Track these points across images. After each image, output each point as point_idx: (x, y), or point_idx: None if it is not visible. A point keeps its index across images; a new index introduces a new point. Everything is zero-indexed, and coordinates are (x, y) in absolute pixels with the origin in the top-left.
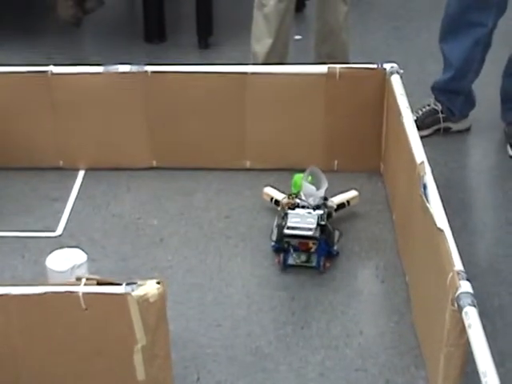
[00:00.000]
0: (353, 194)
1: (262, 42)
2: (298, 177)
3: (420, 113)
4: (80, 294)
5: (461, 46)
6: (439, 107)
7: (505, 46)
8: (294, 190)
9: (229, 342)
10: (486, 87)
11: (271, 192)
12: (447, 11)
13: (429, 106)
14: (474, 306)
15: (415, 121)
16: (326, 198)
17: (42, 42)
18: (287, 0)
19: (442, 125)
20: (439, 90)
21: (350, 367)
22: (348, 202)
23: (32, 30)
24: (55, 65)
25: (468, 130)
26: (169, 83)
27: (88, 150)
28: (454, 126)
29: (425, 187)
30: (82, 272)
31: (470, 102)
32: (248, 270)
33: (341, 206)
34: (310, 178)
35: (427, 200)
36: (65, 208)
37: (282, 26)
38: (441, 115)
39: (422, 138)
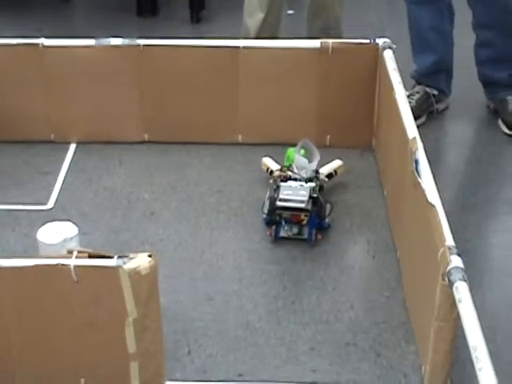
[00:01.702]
0: (338, 163)
1: (254, 16)
2: (291, 151)
3: (414, 101)
4: (71, 267)
5: (432, 24)
6: (431, 91)
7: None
8: (286, 164)
9: (220, 315)
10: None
11: (268, 162)
12: (407, 6)
13: (418, 92)
14: (465, 280)
15: (412, 110)
16: (317, 171)
17: (33, 16)
18: None
19: (435, 107)
20: (426, 74)
21: (341, 341)
22: (335, 171)
23: (22, 4)
24: (46, 37)
25: (447, 108)
26: (161, 57)
27: (79, 124)
28: (440, 106)
29: (417, 162)
30: (73, 245)
31: (451, 76)
32: (239, 244)
33: (329, 176)
34: (302, 151)
35: (419, 175)
36: (56, 181)
37: (273, 0)
38: (433, 98)
39: (419, 126)
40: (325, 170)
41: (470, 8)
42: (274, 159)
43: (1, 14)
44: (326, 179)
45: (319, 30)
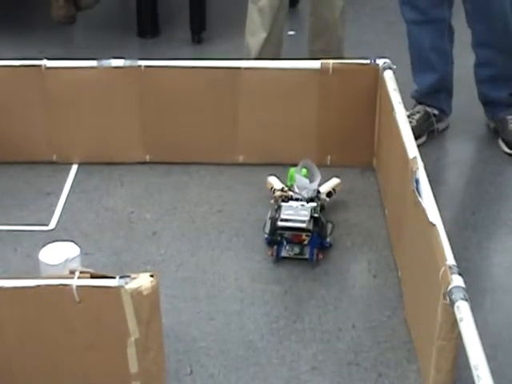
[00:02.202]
0: (336, 181)
1: (255, 35)
2: (293, 170)
3: (414, 120)
4: (74, 287)
5: (432, 44)
6: (431, 110)
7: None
8: (289, 183)
9: (221, 335)
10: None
11: (273, 181)
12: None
13: (419, 112)
14: (466, 300)
15: (412, 130)
16: (319, 191)
17: (35, 36)
18: None
19: (435, 126)
20: (426, 94)
21: (343, 361)
22: (334, 189)
23: (24, 25)
24: (49, 59)
25: (448, 127)
26: (162, 78)
27: (81, 145)
28: (440, 126)
29: (417, 182)
30: (75, 265)
31: (451, 95)
32: (241, 263)
33: (329, 194)
34: (304, 170)
35: (419, 195)
36: (58, 202)
37: (275, 20)
38: (433, 118)
39: (419, 146)
40: (324, 188)
41: (470, 27)
42: (279, 179)
43: (3, 35)
44: (327, 199)
45: (320, 51)
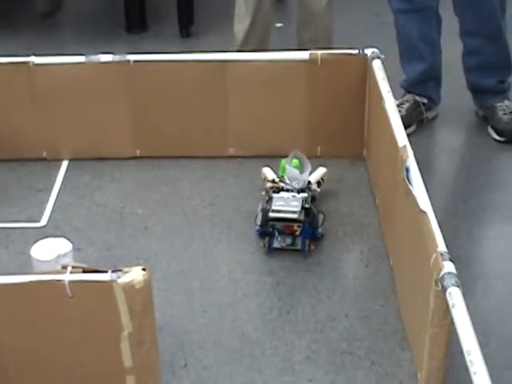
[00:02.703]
0: (322, 170)
1: (241, 22)
2: (284, 161)
3: (404, 110)
4: (66, 283)
5: (420, 33)
6: (421, 99)
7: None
8: (281, 175)
9: (215, 327)
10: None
11: (267, 172)
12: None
13: (408, 101)
14: (458, 286)
15: (402, 119)
16: (309, 182)
17: (22, 33)
18: None
19: (425, 115)
20: (415, 83)
21: (336, 350)
22: (322, 179)
23: (11, 22)
24: (36, 55)
25: (437, 116)
26: (151, 72)
27: (71, 141)
28: (430, 115)
29: (407, 170)
30: (67, 261)
31: (440, 84)
32: (233, 256)
33: (317, 184)
34: (296, 161)
35: (410, 183)
36: (49, 198)
37: (260, 7)
38: (422, 107)
39: (409, 135)
40: (312, 178)
41: (457, 16)
42: (273, 170)
43: None
44: (318, 189)
45: (308, 41)
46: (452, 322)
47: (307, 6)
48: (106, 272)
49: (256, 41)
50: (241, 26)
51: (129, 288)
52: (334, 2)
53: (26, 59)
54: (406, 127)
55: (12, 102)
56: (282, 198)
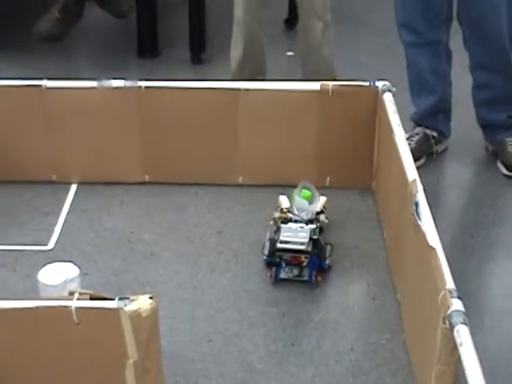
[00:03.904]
0: (323, 199)
1: (235, 49)
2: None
3: (413, 142)
4: (73, 309)
5: (430, 66)
6: (430, 132)
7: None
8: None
9: (220, 357)
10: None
11: (283, 201)
12: (404, 49)
13: (418, 134)
14: (466, 324)
15: (411, 152)
16: (318, 213)
17: (35, 56)
18: (256, 11)
19: (435, 148)
20: (425, 116)
21: None
22: (324, 207)
23: (24, 45)
24: (49, 79)
25: (447, 149)
26: (162, 98)
27: (81, 164)
28: (439, 148)
29: (417, 205)
30: (74, 286)
31: (450, 117)
32: (239, 285)
33: (319, 212)
34: (308, 192)
35: (419, 218)
36: (57, 222)
37: (250, 37)
38: (432, 140)
39: (418, 168)
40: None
41: (467, 50)
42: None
43: (3, 55)
44: (326, 220)
45: (311, 73)
46: (459, 360)
47: (305, 39)
48: (113, 299)
49: (250, 70)
50: (234, 54)
51: (135, 316)
52: (330, 32)
53: (39, 82)
54: (415, 160)
55: (23, 125)
56: (290, 228)
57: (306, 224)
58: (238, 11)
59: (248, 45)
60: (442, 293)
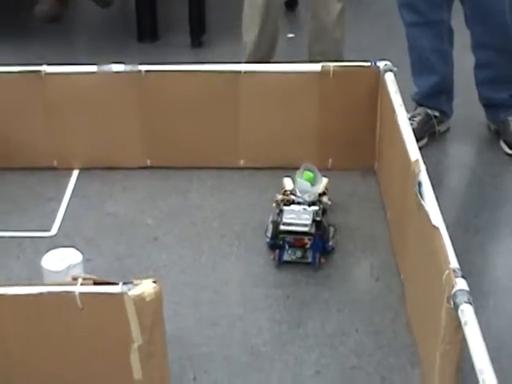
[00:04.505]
0: (325, 180)
1: (249, 30)
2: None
3: (415, 122)
4: (76, 294)
5: (432, 46)
6: (432, 112)
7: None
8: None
9: (224, 340)
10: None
11: (287, 183)
12: (406, 29)
13: (420, 114)
14: (470, 303)
15: (413, 132)
16: (320, 194)
17: (34, 42)
18: None
19: (437, 128)
20: (427, 96)
21: (346, 365)
22: (326, 188)
23: (23, 31)
24: (48, 64)
25: (449, 129)
26: (162, 82)
27: (82, 150)
28: (441, 128)
29: (419, 185)
30: (78, 272)
31: (452, 97)
32: (243, 268)
33: (322, 194)
34: (310, 174)
35: (422, 198)
36: (59, 208)
37: (267, 16)
38: (434, 120)
39: (420, 148)
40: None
41: (468, 29)
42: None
43: (2, 42)
44: (329, 202)
45: (319, 54)
46: (464, 339)
47: (318, 18)
48: (117, 284)
49: (265, 50)
50: (248, 34)
51: (139, 300)
52: (346, 15)
53: (38, 68)
54: (417, 140)
55: (23, 111)
56: (292, 210)
57: (309, 206)
58: None
59: (265, 23)
60: (447, 272)
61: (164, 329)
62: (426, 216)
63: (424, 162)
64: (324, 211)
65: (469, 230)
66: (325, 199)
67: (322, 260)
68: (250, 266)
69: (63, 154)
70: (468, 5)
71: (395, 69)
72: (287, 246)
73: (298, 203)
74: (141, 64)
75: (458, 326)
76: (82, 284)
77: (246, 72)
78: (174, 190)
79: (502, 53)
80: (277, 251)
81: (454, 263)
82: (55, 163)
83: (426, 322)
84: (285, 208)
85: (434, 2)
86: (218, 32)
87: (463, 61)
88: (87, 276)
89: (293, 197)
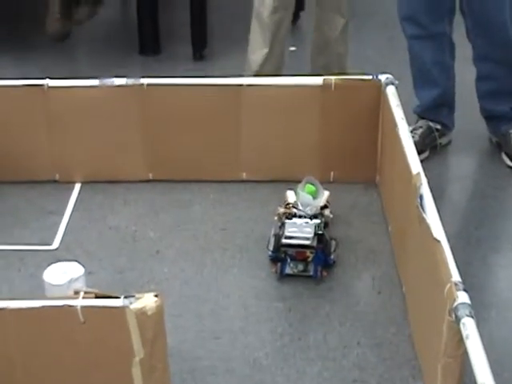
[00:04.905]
0: (326, 193)
1: (257, 51)
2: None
3: (417, 135)
4: (78, 308)
5: (434, 59)
6: (434, 125)
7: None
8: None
9: (226, 354)
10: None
11: (289, 196)
12: (407, 42)
13: (421, 127)
14: (472, 316)
15: (415, 145)
16: (322, 208)
17: (36, 55)
18: (282, 11)
19: (438, 141)
20: (429, 109)
21: (348, 378)
22: (328, 201)
23: (26, 44)
24: (51, 78)
25: (451, 142)
26: (164, 96)
27: (84, 163)
28: (443, 140)
29: (421, 198)
30: (80, 285)
31: (454, 110)
32: (245, 281)
33: (323, 207)
34: (312, 187)
35: (423, 211)
36: (61, 221)
37: (276, 37)
38: (436, 133)
39: (422, 161)
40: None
41: (470, 41)
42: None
43: (4, 55)
44: (331, 215)
45: (322, 67)
46: (465, 353)
47: (322, 32)
48: (119, 298)
49: (272, 69)
50: (255, 55)
51: (141, 314)
52: (348, 29)
53: (41, 82)
54: (419, 153)
55: (26, 124)
56: (294, 224)
57: (311, 219)
58: (263, 11)
59: (274, 44)
60: (448, 285)
61: (165, 342)
62: (427, 229)
63: (425, 175)
64: (326, 224)
65: (470, 242)
66: (327, 212)
67: (324, 273)
68: (251, 279)
69: (65, 168)
70: (469, 17)
71: (397, 82)
72: (289, 259)
73: (300, 216)
74: (143, 77)
75: (459, 340)
76: (83, 298)
77: (247, 85)
78: (175, 203)
79: (503, 65)
80: (279, 264)
81: (455, 276)
82: (57, 176)
83: (427, 335)
84: (287, 221)
85: (435, 15)
86: (220, 45)
87: (465, 73)
88: (89, 290)
89: (295, 210)
